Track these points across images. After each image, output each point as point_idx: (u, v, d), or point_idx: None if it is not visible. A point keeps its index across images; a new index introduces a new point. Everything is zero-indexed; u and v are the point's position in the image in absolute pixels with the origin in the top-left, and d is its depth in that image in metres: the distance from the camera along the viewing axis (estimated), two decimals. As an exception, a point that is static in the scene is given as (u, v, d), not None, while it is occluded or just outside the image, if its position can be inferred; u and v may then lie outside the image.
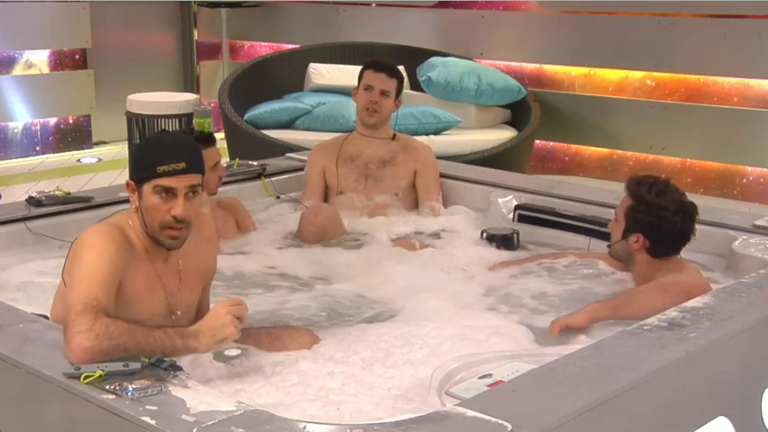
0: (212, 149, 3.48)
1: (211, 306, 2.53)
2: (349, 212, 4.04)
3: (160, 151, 2.41)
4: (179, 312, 2.52)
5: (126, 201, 2.53)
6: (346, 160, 4.13)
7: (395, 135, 4.16)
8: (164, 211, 2.37)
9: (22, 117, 7.55)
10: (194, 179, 2.39)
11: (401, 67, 6.72)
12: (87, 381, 1.99)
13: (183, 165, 2.36)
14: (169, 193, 2.37)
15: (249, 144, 6.00)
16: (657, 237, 3.02)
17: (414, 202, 4.14)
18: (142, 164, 2.41)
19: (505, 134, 6.28)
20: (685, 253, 3.11)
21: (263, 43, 8.53)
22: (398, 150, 4.14)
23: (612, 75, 6.64)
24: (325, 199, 4.16)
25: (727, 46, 6.05)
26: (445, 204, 4.18)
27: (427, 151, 4.23)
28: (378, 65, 4.11)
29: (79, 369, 2.02)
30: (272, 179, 4.27)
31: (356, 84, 4.15)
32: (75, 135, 7.88)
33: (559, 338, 2.79)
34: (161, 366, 2.07)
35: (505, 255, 3.66)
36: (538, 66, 6.96)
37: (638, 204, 3.03)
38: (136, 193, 2.42)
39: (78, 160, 7.62)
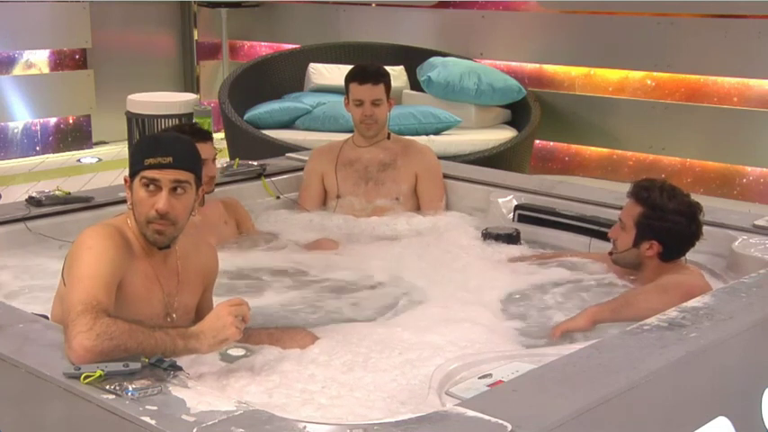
0: (203, 144, 3.32)
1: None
2: (349, 216, 4.04)
3: (150, 145, 2.44)
4: (177, 314, 2.52)
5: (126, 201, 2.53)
6: (345, 164, 4.12)
7: (389, 134, 4.15)
8: (149, 206, 2.38)
9: (22, 117, 7.55)
10: (181, 175, 2.38)
11: (401, 68, 6.81)
12: (87, 381, 1.99)
13: (169, 159, 2.36)
14: (155, 186, 2.37)
15: (249, 144, 6.00)
16: (671, 241, 3.01)
17: (415, 206, 4.12)
18: (133, 158, 2.44)
19: (505, 134, 6.28)
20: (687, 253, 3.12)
21: (263, 43, 8.53)
22: (399, 153, 4.12)
23: (612, 75, 6.65)
24: (324, 203, 4.16)
25: (727, 46, 6.05)
26: (445, 204, 4.18)
27: (428, 154, 4.21)
28: (362, 76, 4.01)
29: (79, 369, 2.02)
30: (272, 179, 4.26)
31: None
32: (76, 135, 7.88)
33: (559, 338, 2.79)
34: (161, 366, 2.07)
35: (507, 253, 3.66)
36: (538, 66, 6.96)
37: (651, 211, 3.00)
38: (130, 189, 2.43)
39: (78, 160, 7.62)
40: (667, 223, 2.99)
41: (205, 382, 2.23)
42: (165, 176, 2.37)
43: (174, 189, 2.38)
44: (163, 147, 2.40)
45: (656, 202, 3.00)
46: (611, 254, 3.18)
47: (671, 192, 3.03)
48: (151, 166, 2.36)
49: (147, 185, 2.38)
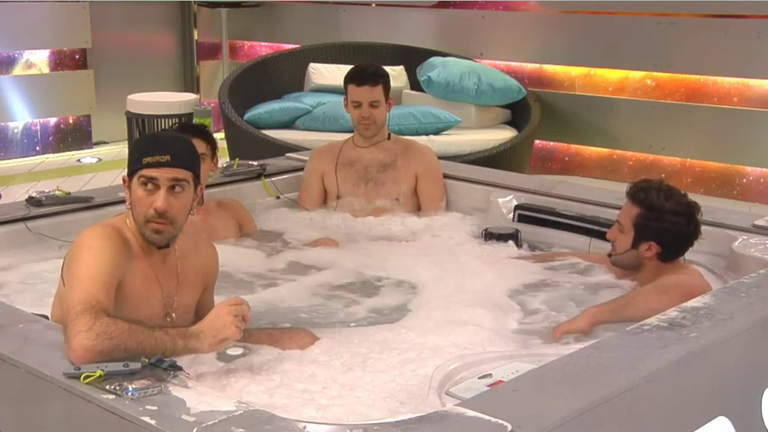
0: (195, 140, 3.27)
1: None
2: (349, 216, 4.04)
3: (148, 144, 2.44)
4: (176, 314, 2.52)
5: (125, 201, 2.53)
6: (345, 165, 4.11)
7: (390, 135, 4.15)
8: (147, 205, 2.38)
9: (22, 117, 7.55)
10: (179, 173, 2.38)
11: (401, 68, 6.81)
12: (87, 381, 1.99)
13: (167, 157, 2.36)
14: (153, 185, 2.37)
15: (249, 144, 6.00)
16: (670, 242, 3.01)
17: (415, 207, 4.12)
18: (132, 157, 2.43)
19: (505, 134, 6.28)
20: (686, 253, 3.11)
21: (263, 43, 8.53)
22: (399, 154, 4.12)
23: (612, 75, 6.65)
24: (324, 203, 4.16)
25: (727, 46, 6.06)
26: (446, 204, 4.18)
27: (428, 155, 4.20)
28: (360, 77, 4.00)
29: (79, 369, 2.02)
30: (272, 179, 4.26)
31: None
32: (76, 135, 7.88)
33: (559, 339, 2.79)
34: (161, 366, 2.07)
35: (507, 253, 3.66)
36: (538, 66, 6.96)
37: (649, 212, 3.00)
38: (129, 188, 2.43)
39: (78, 160, 7.62)
40: (665, 224, 2.99)
41: (205, 383, 2.23)
42: (163, 175, 2.36)
43: (173, 188, 2.38)
44: (161, 145, 2.40)
45: (654, 202, 3.00)
46: (609, 255, 3.17)
47: (668, 192, 3.02)
48: (149, 165, 2.36)
49: (146, 184, 2.37)
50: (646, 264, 3.06)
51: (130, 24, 8.34)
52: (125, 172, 2.49)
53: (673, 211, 2.99)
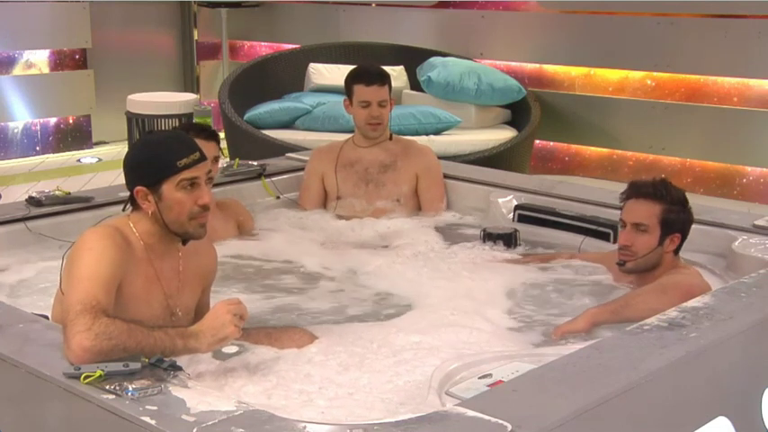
0: (206, 143, 3.26)
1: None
2: (349, 216, 4.04)
3: (172, 148, 2.44)
4: (179, 313, 2.52)
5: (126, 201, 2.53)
6: (345, 165, 4.11)
7: (391, 135, 4.14)
8: (190, 203, 2.42)
9: (22, 117, 7.55)
10: (207, 165, 2.48)
11: (401, 68, 6.81)
12: (87, 381, 1.99)
13: (197, 154, 2.43)
14: (194, 184, 2.42)
15: (249, 144, 6.00)
16: (687, 230, 3.09)
17: (416, 207, 4.12)
18: (155, 166, 2.41)
19: (505, 134, 6.27)
20: (685, 253, 3.12)
21: (263, 43, 8.53)
22: (399, 154, 4.11)
23: (612, 75, 6.65)
24: (324, 204, 4.16)
25: (727, 46, 6.05)
26: (446, 205, 4.17)
27: (429, 155, 4.20)
28: (368, 77, 3.99)
29: (79, 369, 2.02)
30: (272, 179, 4.26)
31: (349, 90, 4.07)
32: (75, 135, 7.88)
33: (559, 338, 2.79)
34: (161, 366, 2.07)
35: (506, 254, 3.66)
36: (538, 66, 6.96)
37: (672, 206, 3.05)
38: (151, 196, 2.42)
39: (78, 160, 7.62)
40: (687, 214, 3.07)
41: (203, 383, 2.23)
42: (202, 171, 2.44)
43: (206, 180, 2.46)
44: (185, 145, 2.44)
45: (674, 195, 3.06)
46: (621, 264, 3.11)
47: (673, 185, 3.10)
48: (187, 166, 2.40)
49: (186, 186, 2.40)
50: (664, 259, 3.06)
51: (130, 24, 8.34)
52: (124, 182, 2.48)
53: (686, 200, 3.09)
